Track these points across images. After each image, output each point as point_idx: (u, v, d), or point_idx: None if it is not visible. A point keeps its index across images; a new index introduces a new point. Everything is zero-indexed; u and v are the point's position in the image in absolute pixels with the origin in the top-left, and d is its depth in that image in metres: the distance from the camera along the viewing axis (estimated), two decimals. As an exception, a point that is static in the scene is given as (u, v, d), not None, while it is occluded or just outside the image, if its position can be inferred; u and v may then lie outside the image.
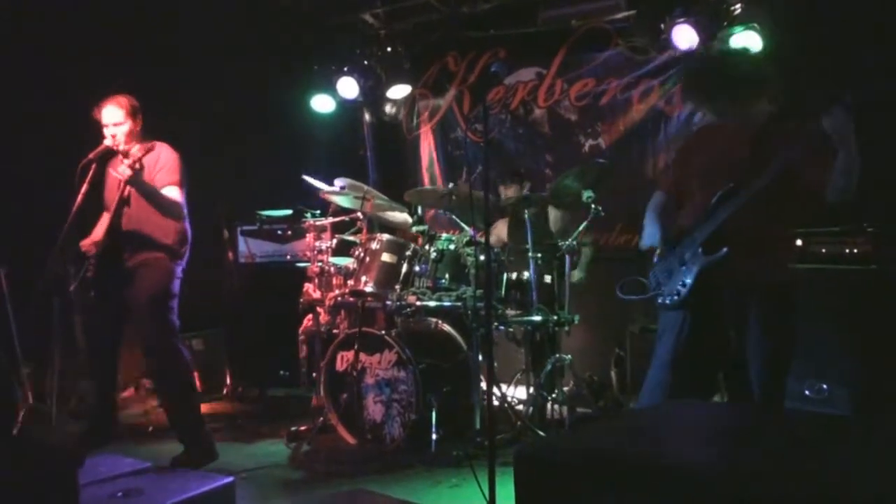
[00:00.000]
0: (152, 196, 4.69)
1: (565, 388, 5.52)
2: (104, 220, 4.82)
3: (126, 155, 4.77)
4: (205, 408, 6.46)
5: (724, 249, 3.35)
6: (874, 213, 4.75)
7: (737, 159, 3.45)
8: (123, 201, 4.78)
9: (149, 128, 4.99)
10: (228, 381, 6.92)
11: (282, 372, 6.63)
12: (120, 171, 4.63)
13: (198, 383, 6.64)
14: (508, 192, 6.01)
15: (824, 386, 4.57)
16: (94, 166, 4.75)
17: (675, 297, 3.48)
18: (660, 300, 3.56)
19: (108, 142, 4.79)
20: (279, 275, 6.62)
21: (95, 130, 4.84)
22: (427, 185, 7.25)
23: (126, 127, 4.82)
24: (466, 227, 5.29)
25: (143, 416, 5.90)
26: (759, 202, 3.32)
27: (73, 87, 5.44)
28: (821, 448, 2.05)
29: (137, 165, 4.54)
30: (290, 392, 6.70)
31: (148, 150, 4.76)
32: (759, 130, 3.48)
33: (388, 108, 7.66)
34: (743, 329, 3.44)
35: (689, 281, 3.43)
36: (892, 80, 3.52)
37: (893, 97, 5.01)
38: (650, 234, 3.70)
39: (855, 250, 4.60)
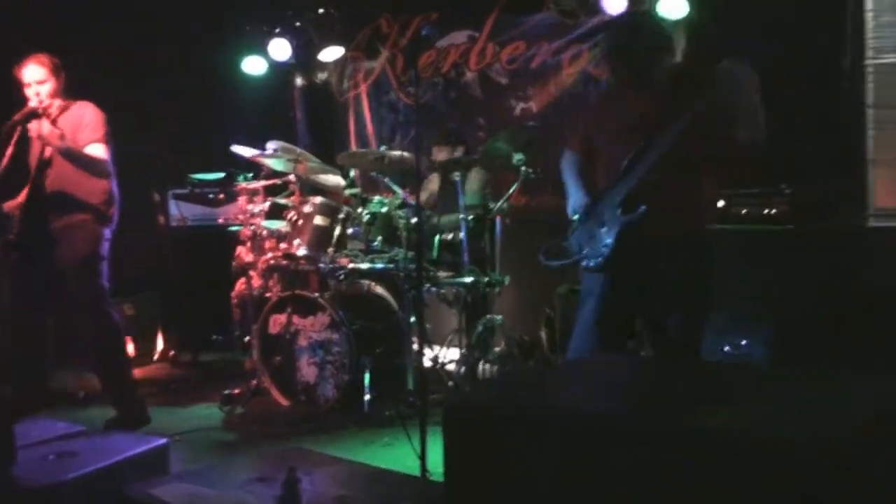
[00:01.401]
0: (71, 154, 4.63)
1: (497, 349, 5.64)
2: (28, 184, 4.73)
3: (48, 114, 4.71)
4: (138, 372, 6.40)
5: (643, 208, 3.41)
6: (793, 175, 4.92)
7: (647, 115, 3.52)
8: (44, 162, 4.71)
9: (75, 90, 4.92)
10: (161, 345, 6.90)
11: (215, 336, 6.61)
12: (32, 129, 4.55)
13: (130, 348, 6.65)
14: (441, 154, 6.05)
15: (743, 342, 4.74)
16: (18, 128, 4.69)
17: (600, 260, 3.53)
18: (584, 263, 3.63)
19: (33, 102, 4.71)
20: (212, 238, 6.57)
21: (18, 91, 4.76)
22: (354, 148, 7.24)
23: (49, 85, 4.73)
24: (399, 190, 5.32)
25: (75, 382, 5.85)
26: (671, 158, 3.38)
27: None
28: (731, 394, 2.16)
29: (50, 125, 4.48)
30: (224, 356, 6.69)
31: (65, 108, 4.70)
32: (666, 85, 3.57)
33: (320, 71, 7.61)
34: (663, 284, 3.55)
35: (610, 241, 3.49)
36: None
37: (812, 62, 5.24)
38: (577, 200, 3.75)
39: (773, 211, 4.75)
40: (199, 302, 6.70)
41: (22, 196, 4.74)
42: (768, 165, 4.96)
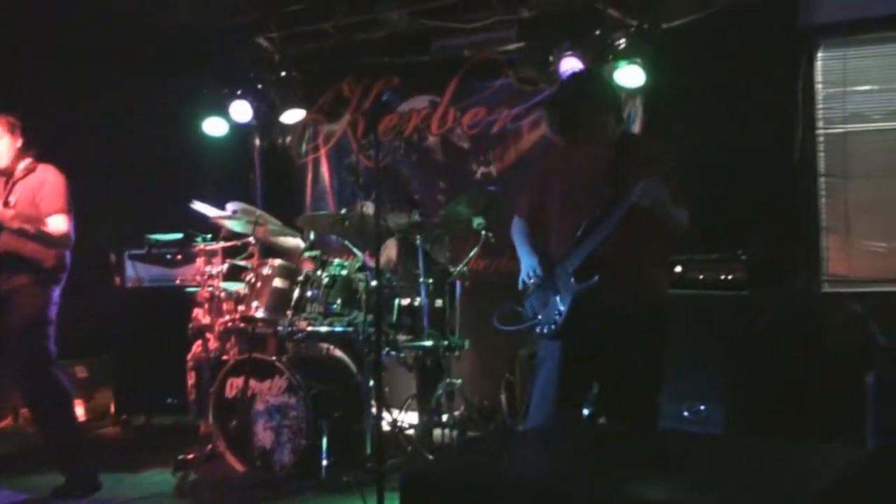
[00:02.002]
0: (28, 234, 4.57)
1: (456, 413, 5.60)
2: None
3: (8, 174, 4.66)
4: (89, 436, 6.30)
5: (595, 277, 3.44)
6: (749, 241, 5.01)
7: (597, 182, 3.56)
8: None
9: (37, 145, 4.88)
10: (113, 408, 6.74)
11: (169, 399, 6.48)
12: None
13: (82, 411, 6.52)
14: (397, 220, 6.06)
15: (702, 407, 4.76)
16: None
17: (553, 327, 3.56)
18: (537, 329, 3.65)
19: (-13, 160, 4.67)
20: (168, 300, 6.47)
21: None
22: (310, 211, 7.23)
23: (4, 144, 4.69)
24: (358, 252, 5.32)
25: (23, 447, 5.70)
26: (624, 229, 3.42)
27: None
28: (682, 464, 2.16)
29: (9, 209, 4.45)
30: (178, 420, 6.55)
31: (30, 170, 4.65)
32: (616, 151, 3.61)
33: (280, 134, 7.62)
34: (619, 352, 3.56)
35: (563, 309, 3.52)
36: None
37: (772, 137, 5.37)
38: (528, 265, 3.77)
39: (730, 276, 4.81)
40: (153, 364, 6.56)
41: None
42: (724, 232, 5.07)
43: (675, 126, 5.40)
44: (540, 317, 3.64)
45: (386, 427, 5.26)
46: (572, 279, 3.52)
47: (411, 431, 5.40)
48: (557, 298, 3.58)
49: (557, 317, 3.55)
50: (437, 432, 5.42)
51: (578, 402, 3.78)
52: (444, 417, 5.43)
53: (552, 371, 3.63)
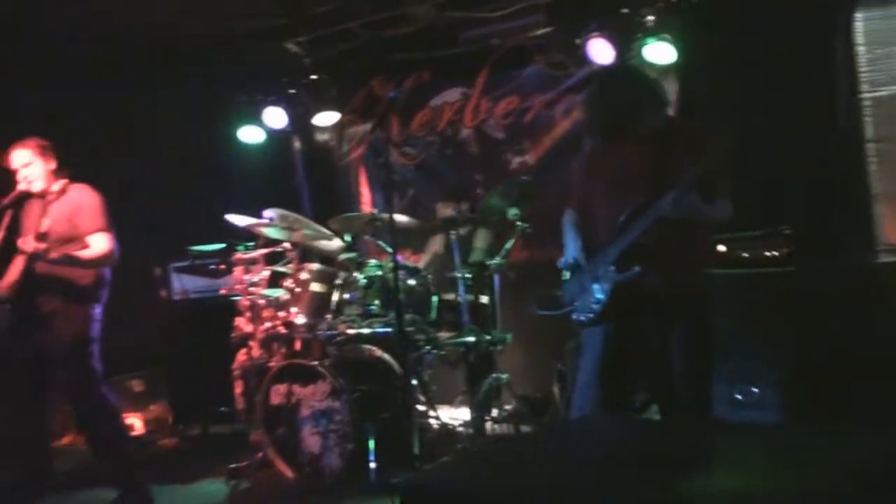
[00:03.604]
0: (73, 264, 4.60)
1: (507, 407, 5.53)
2: (18, 262, 4.65)
3: (43, 197, 4.70)
4: (148, 449, 6.39)
5: (637, 268, 3.37)
6: (793, 215, 4.84)
7: (639, 171, 3.47)
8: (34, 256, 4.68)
9: (74, 166, 4.92)
10: (170, 420, 6.82)
11: (222, 408, 6.52)
12: (22, 248, 4.52)
13: (140, 424, 6.61)
14: (446, 211, 6.02)
15: (754, 389, 4.61)
16: (9, 212, 4.68)
17: (590, 315, 3.51)
18: (574, 316, 3.58)
19: (21, 186, 4.72)
20: (215, 310, 6.51)
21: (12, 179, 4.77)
22: (365, 208, 7.21)
23: (37, 167, 4.73)
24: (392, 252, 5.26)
25: (82, 463, 5.77)
26: (667, 220, 3.33)
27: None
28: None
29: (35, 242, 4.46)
30: (234, 428, 6.59)
31: (62, 192, 4.68)
32: (659, 142, 3.51)
33: (319, 136, 7.62)
34: (665, 340, 3.47)
35: (601, 297, 3.46)
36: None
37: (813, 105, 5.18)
38: (569, 253, 3.73)
39: (775, 253, 4.65)
40: (205, 374, 6.60)
41: (12, 275, 4.67)
42: (768, 207, 4.90)
43: (710, 102, 5.24)
44: (577, 304, 3.58)
45: (434, 425, 5.23)
46: (612, 268, 3.46)
47: (461, 429, 5.33)
48: (595, 286, 3.52)
49: (595, 305, 3.51)
50: (485, 427, 5.33)
51: (623, 390, 3.67)
52: (494, 413, 5.38)
53: (593, 360, 3.59)
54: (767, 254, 4.68)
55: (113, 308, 4.97)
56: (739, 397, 4.65)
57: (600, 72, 5.39)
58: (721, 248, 4.81)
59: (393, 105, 6.03)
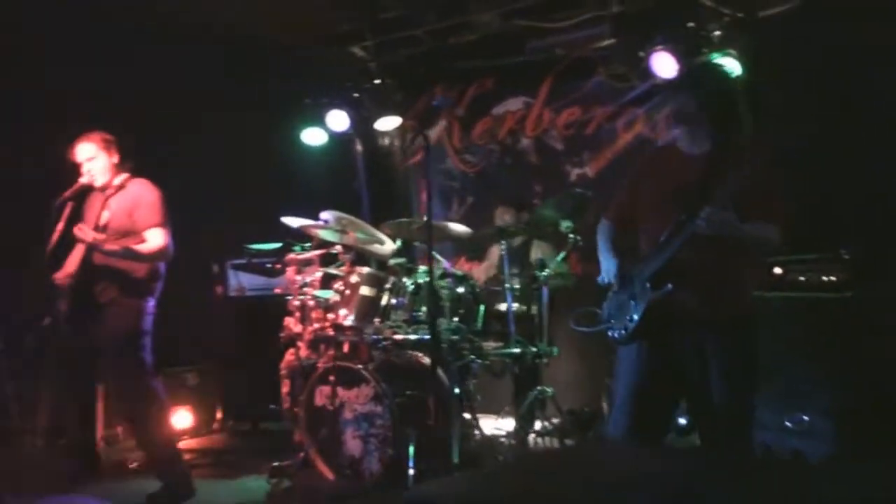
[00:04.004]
0: (129, 257, 4.70)
1: (555, 421, 5.47)
2: (77, 252, 4.79)
3: (104, 190, 4.82)
4: (196, 442, 6.48)
5: (669, 286, 3.29)
6: (852, 239, 4.69)
7: (685, 187, 3.39)
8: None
9: (136, 162, 5.04)
10: (220, 414, 6.90)
11: (272, 406, 6.58)
12: (79, 236, 4.63)
13: (191, 418, 6.70)
14: (505, 216, 6.00)
15: (805, 417, 4.47)
16: (70, 204, 4.80)
17: (623, 332, 3.43)
18: (609, 333, 3.52)
19: (84, 179, 4.84)
20: (269, 308, 6.57)
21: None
22: (425, 213, 7.22)
23: (100, 161, 4.85)
24: (441, 259, 5.26)
25: (129, 452, 5.88)
26: (701, 238, 3.24)
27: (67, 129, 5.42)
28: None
29: (93, 232, 4.57)
30: (282, 426, 6.65)
31: (121, 187, 4.79)
32: (710, 156, 3.43)
33: (380, 140, 7.66)
34: (697, 361, 3.38)
35: (636, 316, 3.38)
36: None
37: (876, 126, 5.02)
38: (607, 270, 3.65)
39: (832, 278, 4.51)
40: (258, 371, 6.69)
41: (71, 266, 4.80)
42: (827, 229, 4.76)
43: (773, 120, 5.11)
44: (613, 321, 3.52)
45: (477, 435, 5.20)
46: (648, 285, 3.38)
47: (504, 440, 5.29)
48: (632, 304, 3.44)
49: (629, 322, 3.43)
50: (527, 441, 5.29)
51: (658, 412, 3.58)
52: (539, 425, 5.33)
53: (627, 380, 3.53)
54: (824, 278, 4.54)
55: (172, 302, 5.08)
56: (789, 424, 4.52)
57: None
58: (777, 270, 4.69)
59: (438, 112, 6.05)
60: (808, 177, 4.66)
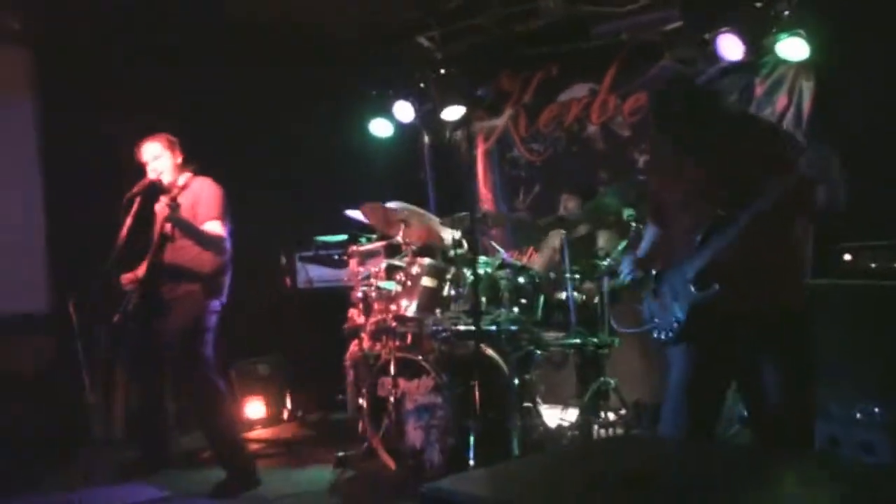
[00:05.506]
0: (191, 231, 4.82)
1: (622, 412, 5.38)
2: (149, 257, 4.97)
3: (169, 189, 4.94)
4: (268, 432, 6.59)
5: (716, 287, 3.18)
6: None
7: (715, 184, 3.26)
8: (165, 237, 4.93)
9: (204, 158, 5.15)
10: (290, 404, 7.01)
11: (340, 396, 6.66)
12: (158, 208, 4.76)
13: (263, 408, 6.82)
14: (570, 203, 5.93)
15: (875, 409, 4.30)
16: (138, 200, 4.93)
17: (670, 334, 3.34)
18: (655, 334, 3.42)
19: (150, 176, 4.97)
20: (336, 299, 6.65)
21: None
22: (485, 206, 7.20)
23: (164, 161, 4.98)
24: (500, 249, 5.22)
25: (201, 443, 6.01)
26: (748, 234, 3.11)
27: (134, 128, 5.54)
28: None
29: (174, 202, 4.68)
30: (350, 416, 6.72)
31: (185, 186, 4.91)
32: (732, 149, 3.31)
33: (447, 130, 7.64)
34: (748, 358, 3.27)
35: (681, 316, 3.28)
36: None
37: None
38: (623, 265, 3.63)
39: (905, 265, 4.32)
40: (326, 361, 6.76)
41: (140, 270, 4.96)
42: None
43: (845, 101, 4.92)
44: (657, 321, 3.42)
45: (539, 426, 5.15)
46: (692, 287, 3.27)
47: (568, 431, 5.23)
48: (676, 305, 3.34)
49: (675, 324, 3.33)
50: (592, 432, 5.21)
51: (710, 412, 3.47)
52: (603, 416, 5.25)
53: (678, 380, 3.42)
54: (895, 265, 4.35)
55: (242, 294, 5.21)
56: (859, 416, 4.35)
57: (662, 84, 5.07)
58: (847, 257, 4.51)
59: (481, 102, 5.99)
60: (880, 162, 4.46)
